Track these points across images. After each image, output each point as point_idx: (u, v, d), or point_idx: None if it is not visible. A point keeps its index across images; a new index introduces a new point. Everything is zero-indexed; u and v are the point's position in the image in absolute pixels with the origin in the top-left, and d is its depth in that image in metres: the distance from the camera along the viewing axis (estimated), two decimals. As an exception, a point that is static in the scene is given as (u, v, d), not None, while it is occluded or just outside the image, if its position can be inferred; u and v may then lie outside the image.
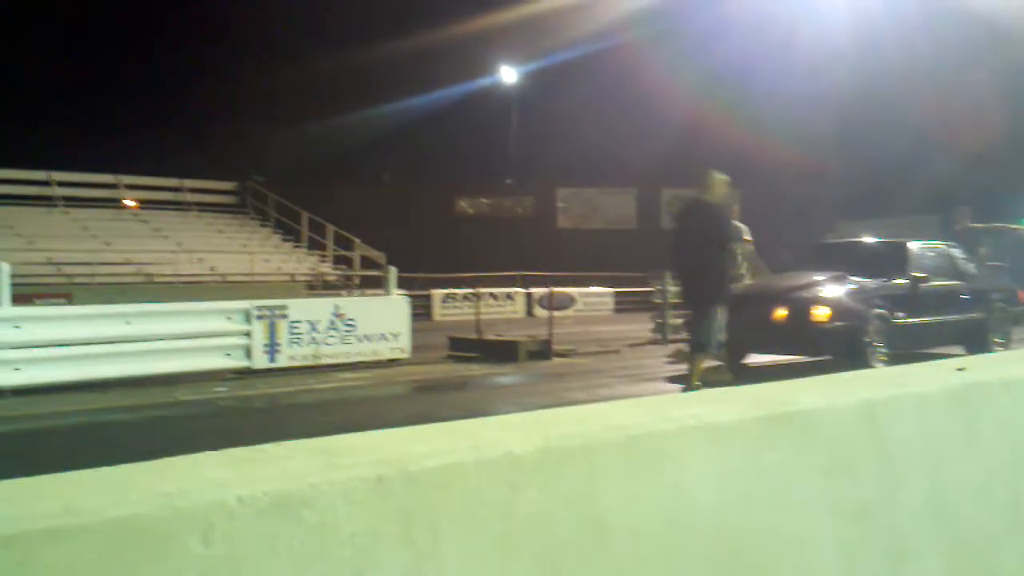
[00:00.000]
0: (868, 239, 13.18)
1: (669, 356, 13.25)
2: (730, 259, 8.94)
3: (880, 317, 10.61)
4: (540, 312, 23.95)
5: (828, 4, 28.07)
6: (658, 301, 15.85)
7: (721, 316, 9.04)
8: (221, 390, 10.33)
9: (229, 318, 11.39)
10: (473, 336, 13.99)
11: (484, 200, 35.85)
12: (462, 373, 11.97)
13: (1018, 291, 13.35)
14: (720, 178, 9.32)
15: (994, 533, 3.05)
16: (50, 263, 20.45)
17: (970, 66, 25.03)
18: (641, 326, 16.57)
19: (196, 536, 1.47)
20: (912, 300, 11.10)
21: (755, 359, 12.01)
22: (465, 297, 24.13)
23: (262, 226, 27.01)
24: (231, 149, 29.93)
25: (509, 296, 25.85)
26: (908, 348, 10.75)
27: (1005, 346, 12.06)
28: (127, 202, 26.40)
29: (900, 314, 10.83)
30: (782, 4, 28.81)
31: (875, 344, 10.47)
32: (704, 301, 9.02)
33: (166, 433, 7.96)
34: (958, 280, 12.07)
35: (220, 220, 26.83)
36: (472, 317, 15.66)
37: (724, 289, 9.09)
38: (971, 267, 12.56)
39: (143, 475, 1.62)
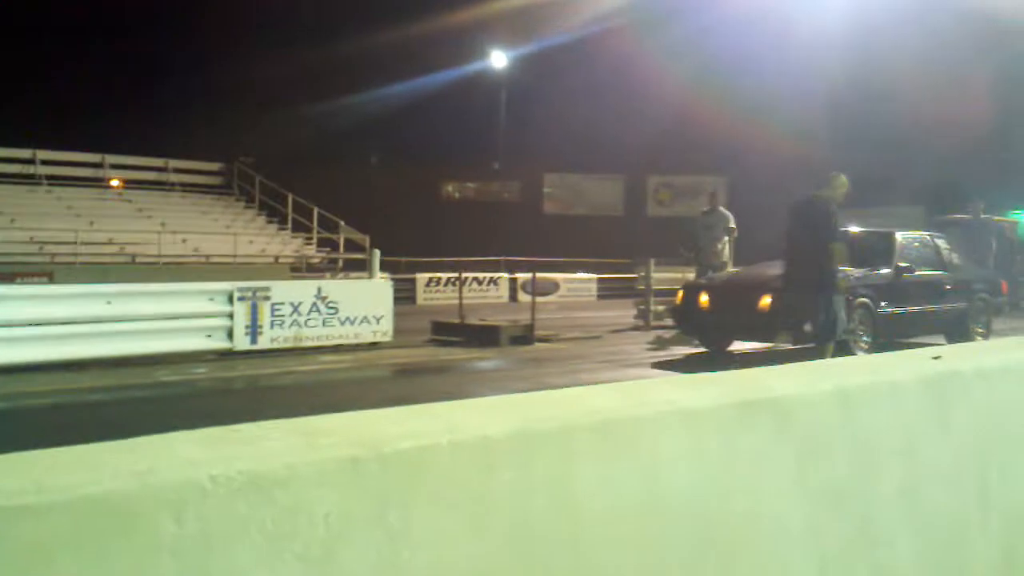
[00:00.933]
0: (855, 228, 13.25)
1: (649, 343, 13.29)
2: (836, 254, 9.24)
3: (864, 306, 10.67)
4: (524, 297, 23.96)
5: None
6: (642, 288, 15.87)
7: (838, 303, 9.23)
8: (201, 371, 10.32)
9: (211, 299, 11.36)
10: (456, 320, 13.99)
11: (470, 184, 35.84)
12: (444, 357, 11.98)
13: (1001, 282, 13.45)
14: (843, 179, 9.73)
15: (964, 519, 3.09)
16: (32, 242, 20.33)
17: (958, 58, 25.08)
18: (624, 312, 16.60)
19: (168, 514, 1.47)
20: (896, 290, 11.17)
21: (738, 346, 12.07)
22: (449, 281, 24.10)
23: (247, 207, 26.88)
24: (218, 130, 29.71)
25: (493, 281, 25.84)
26: (891, 337, 10.83)
27: (986, 336, 12.15)
28: (112, 182, 26.24)
29: (884, 303, 10.90)
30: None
31: (859, 333, 10.54)
32: (817, 290, 9.25)
33: (144, 413, 7.93)
34: (942, 270, 12.15)
35: (205, 201, 26.68)
36: (455, 301, 15.66)
37: (836, 279, 9.28)
38: (955, 257, 12.64)
39: (116, 453, 1.62)
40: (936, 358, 3.35)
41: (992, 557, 3.19)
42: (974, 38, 24.57)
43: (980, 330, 12.31)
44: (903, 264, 11.34)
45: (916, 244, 12.11)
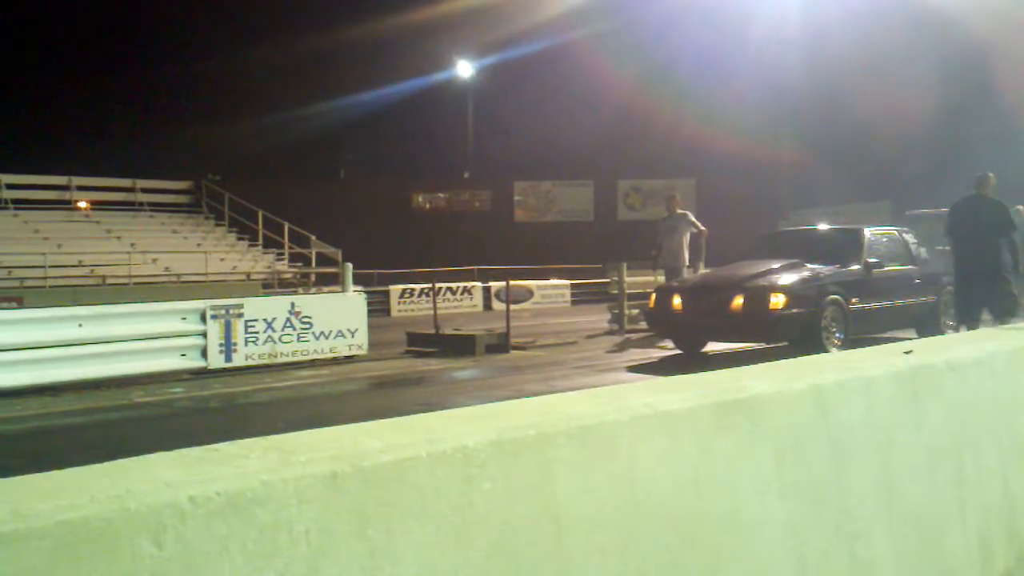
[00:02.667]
0: (823, 226, 13.35)
1: (624, 347, 13.32)
2: (1010, 244, 10.47)
3: (835, 303, 10.75)
4: (498, 305, 23.94)
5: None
6: (615, 292, 15.91)
7: (1014, 288, 10.43)
8: (177, 391, 10.24)
9: (184, 318, 11.28)
10: (431, 331, 13.96)
11: (441, 195, 35.80)
12: (420, 368, 11.94)
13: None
14: (993, 178, 10.76)
15: (940, 511, 3.12)
16: (1, 267, 20.13)
17: (913, 56, 25.36)
18: (598, 317, 16.63)
19: (147, 537, 1.47)
20: (866, 286, 11.26)
21: (713, 347, 12.13)
22: (423, 292, 24.07)
23: (217, 225, 26.74)
24: (185, 148, 29.60)
25: (467, 290, 25.80)
26: (863, 333, 10.91)
27: (956, 329, 12.25)
28: (79, 203, 26.03)
29: (855, 300, 10.98)
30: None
31: (831, 330, 10.62)
32: (989, 278, 10.37)
33: (121, 436, 7.86)
34: (911, 265, 12.25)
35: (174, 220, 26.53)
36: (430, 312, 15.63)
37: (1005, 267, 10.40)
38: (923, 252, 12.76)
39: (93, 477, 1.61)
40: (908, 353, 3.38)
41: (970, 548, 3.22)
42: (932, 35, 24.85)
43: (951, 323, 12.42)
44: (872, 260, 11.43)
45: (885, 240, 12.21)
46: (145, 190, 26.85)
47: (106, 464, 1.71)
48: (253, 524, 1.57)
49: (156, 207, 26.76)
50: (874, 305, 11.32)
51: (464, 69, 37.07)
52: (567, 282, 28.10)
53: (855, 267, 11.32)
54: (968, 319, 10.70)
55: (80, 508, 1.45)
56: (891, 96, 25.99)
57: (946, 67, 25.12)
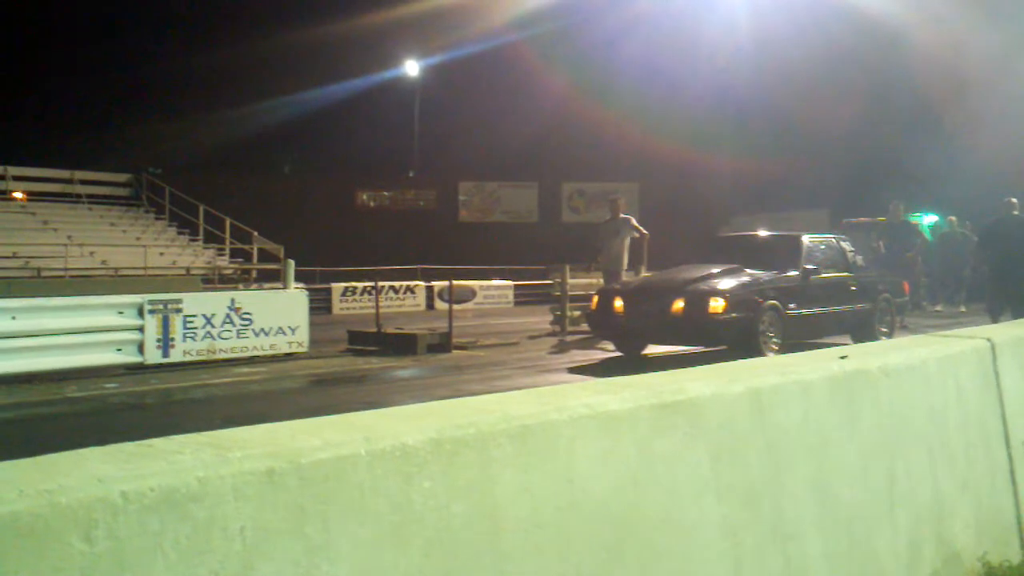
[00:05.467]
0: (763, 233, 13.51)
1: (566, 348, 13.37)
2: None
3: (773, 308, 10.89)
4: (441, 305, 23.89)
5: (724, 4, 28.69)
6: (557, 294, 15.95)
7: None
8: (112, 386, 10.06)
9: (120, 312, 11.09)
10: (372, 329, 13.88)
11: (386, 193, 35.64)
12: (360, 367, 11.87)
13: (903, 282, 13.87)
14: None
15: (871, 513, 3.18)
16: (-69, 257, 19.66)
17: (857, 67, 25.85)
18: (541, 318, 16.66)
19: (78, 533, 1.44)
20: (804, 292, 11.42)
21: (653, 349, 12.22)
22: (365, 290, 23.93)
23: (157, 219, 26.36)
24: (125, 140, 29.09)
25: (410, 289, 25.69)
26: (800, 338, 11.07)
27: (890, 335, 12.49)
28: (15, 194, 25.48)
29: (792, 305, 11.12)
30: (680, 4, 29.33)
31: (768, 334, 10.75)
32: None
33: (52, 431, 7.71)
34: (847, 272, 12.45)
35: (113, 213, 26.09)
36: (372, 310, 15.54)
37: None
38: (859, 259, 12.98)
39: (22, 472, 1.57)
40: (843, 358, 3.44)
41: (899, 550, 3.29)
42: (872, 47, 25.34)
43: (884, 329, 12.66)
44: (810, 266, 11.60)
45: (822, 247, 12.40)
46: (84, 182, 26.39)
47: (36, 458, 1.67)
48: (187, 521, 1.55)
49: (95, 199, 26.29)
50: (811, 311, 11.48)
51: (411, 68, 36.97)
52: (510, 283, 28.13)
53: (793, 273, 11.47)
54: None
55: (8, 503, 1.42)
56: (830, 106, 26.43)
57: (885, 79, 25.64)
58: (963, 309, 18.22)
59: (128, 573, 1.48)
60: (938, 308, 18.84)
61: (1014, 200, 13.30)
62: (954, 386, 3.91)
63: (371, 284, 22.32)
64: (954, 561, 3.55)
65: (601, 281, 14.47)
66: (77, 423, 8.21)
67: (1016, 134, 19.80)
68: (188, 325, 11.39)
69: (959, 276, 18.82)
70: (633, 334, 11.72)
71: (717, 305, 10.49)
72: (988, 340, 4.29)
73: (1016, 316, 12.46)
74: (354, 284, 24.46)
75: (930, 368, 3.80)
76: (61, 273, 20.23)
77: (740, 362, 3.41)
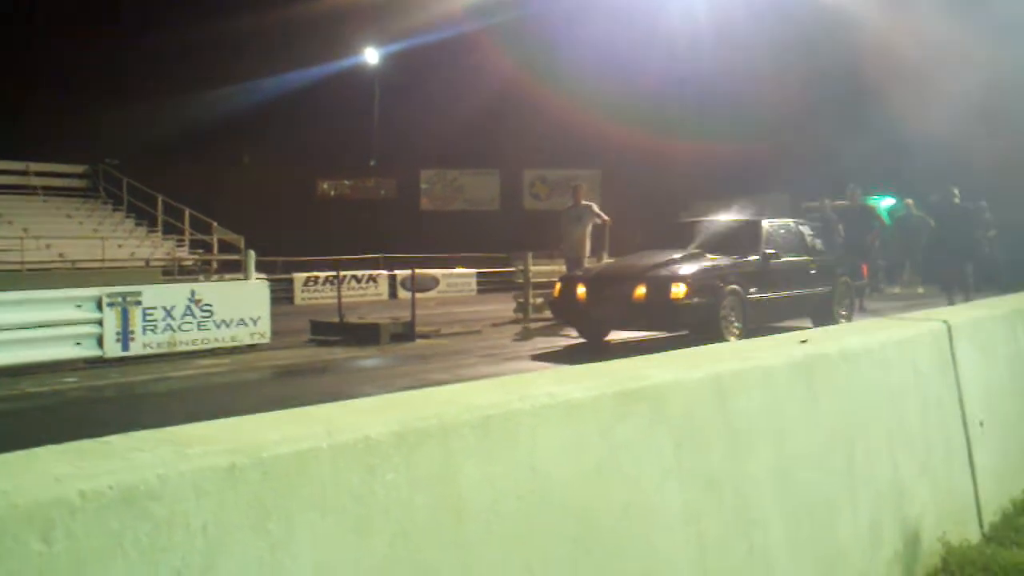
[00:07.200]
0: (723, 217, 13.61)
1: (529, 336, 13.39)
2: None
3: (734, 293, 10.97)
4: (403, 294, 23.84)
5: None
6: (520, 281, 15.96)
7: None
8: (70, 381, 9.94)
9: (79, 306, 10.96)
10: (335, 319, 13.83)
11: (346, 182, 35.45)
12: (323, 357, 11.82)
13: (862, 265, 14.04)
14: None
15: (832, 497, 3.21)
16: None
17: (811, 53, 26.04)
18: (504, 306, 16.68)
19: (35, 534, 1.42)
20: (764, 276, 11.52)
21: (616, 335, 12.27)
22: (327, 280, 23.82)
23: (115, 210, 26.06)
24: (81, 131, 28.56)
25: (372, 279, 25.63)
26: (761, 322, 11.16)
27: (848, 318, 12.64)
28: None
29: (753, 289, 11.22)
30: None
31: (730, 319, 10.84)
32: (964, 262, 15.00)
33: (9, 428, 7.61)
34: (807, 256, 12.57)
35: (69, 204, 25.76)
36: (335, 300, 15.47)
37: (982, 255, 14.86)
38: (818, 243, 13.11)
39: (-24, 473, 1.55)
40: (803, 342, 3.47)
41: (860, 533, 3.33)
42: (830, 33, 25.53)
43: (844, 312, 12.80)
44: (770, 251, 11.69)
45: (782, 231, 12.50)
46: (39, 173, 26.04)
47: (-9, 458, 1.65)
48: (147, 519, 1.53)
49: (50, 191, 25.95)
50: (771, 295, 11.58)
51: (371, 56, 36.73)
52: (473, 271, 28.12)
53: (754, 258, 11.57)
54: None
55: (-38, 504, 1.40)
56: (789, 90, 26.62)
57: (841, 65, 25.85)
58: (921, 291, 18.48)
59: (87, 573, 1.46)
60: (896, 290, 19.10)
61: (955, 190, 15.27)
62: (912, 369, 3.95)
63: (333, 274, 22.23)
64: (914, 542, 3.60)
65: (564, 268, 14.50)
66: (34, 419, 8.11)
67: (964, 116, 20.01)
68: (148, 318, 11.29)
69: (916, 259, 19.09)
70: (596, 320, 11.77)
71: (679, 290, 10.55)
72: (945, 322, 4.34)
73: (966, 297, 13.68)
74: (316, 274, 24.35)
75: (888, 351, 3.84)
76: (17, 267, 19.96)
77: (702, 348, 3.43)
